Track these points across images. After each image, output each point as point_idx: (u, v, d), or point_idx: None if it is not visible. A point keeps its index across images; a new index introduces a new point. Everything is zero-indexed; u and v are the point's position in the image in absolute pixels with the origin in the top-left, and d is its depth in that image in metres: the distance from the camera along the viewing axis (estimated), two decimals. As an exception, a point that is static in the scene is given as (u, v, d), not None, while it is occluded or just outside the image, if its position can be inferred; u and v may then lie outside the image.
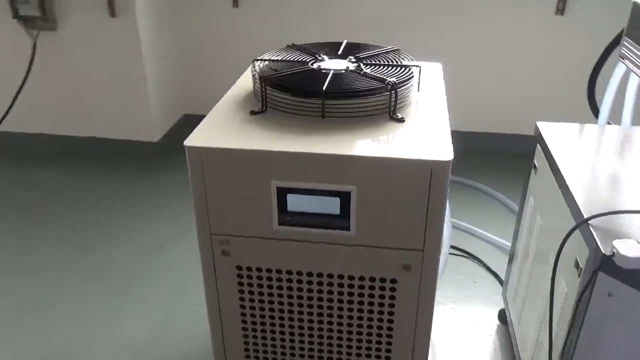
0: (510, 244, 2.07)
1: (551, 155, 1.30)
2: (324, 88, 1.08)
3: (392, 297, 1.10)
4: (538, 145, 1.45)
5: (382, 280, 1.09)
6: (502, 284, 1.86)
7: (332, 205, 1.02)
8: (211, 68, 2.81)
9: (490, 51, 2.58)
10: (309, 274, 1.11)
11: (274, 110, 1.14)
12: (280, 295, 1.14)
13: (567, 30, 2.49)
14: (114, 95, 2.65)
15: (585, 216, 1.03)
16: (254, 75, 1.19)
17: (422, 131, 1.06)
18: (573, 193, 1.11)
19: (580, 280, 1.04)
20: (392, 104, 1.10)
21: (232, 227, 1.08)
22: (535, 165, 1.47)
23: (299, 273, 1.11)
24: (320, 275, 1.10)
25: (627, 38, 1.32)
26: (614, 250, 0.94)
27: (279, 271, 1.11)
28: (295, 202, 1.03)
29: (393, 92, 1.09)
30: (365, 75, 1.14)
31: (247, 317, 1.18)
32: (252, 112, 1.13)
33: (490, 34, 2.55)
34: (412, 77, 1.16)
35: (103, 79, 2.62)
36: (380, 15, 2.57)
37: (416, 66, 1.19)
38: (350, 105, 1.08)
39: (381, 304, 1.12)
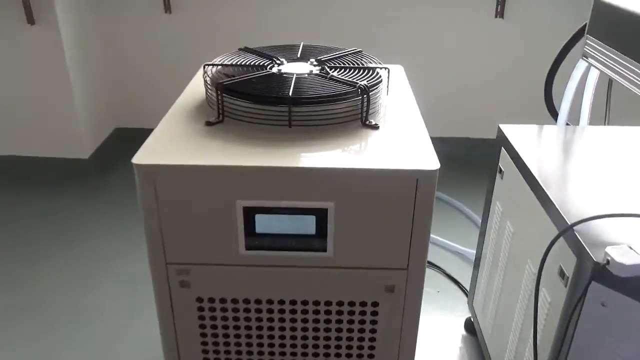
0: (470, 251, 2.01)
1: (520, 159, 1.24)
2: (289, 94, 0.96)
3: (374, 322, 1.00)
4: (502, 148, 1.40)
5: (363, 304, 0.98)
6: (466, 293, 1.80)
7: (306, 225, 0.91)
8: (144, 78, 2.62)
9: (435, 55, 2.55)
10: (281, 302, 0.98)
11: (232, 120, 1.01)
12: (248, 328, 1.01)
13: (507, 32, 2.50)
14: (36, 108, 2.41)
15: (569, 222, 0.97)
16: (206, 82, 1.06)
17: (399, 138, 0.96)
18: (551, 197, 1.05)
19: (569, 290, 0.98)
20: (365, 109, 1.00)
21: (191, 255, 0.94)
22: (500, 169, 1.41)
23: (270, 302, 0.98)
24: (293, 302, 0.98)
25: (589, 36, 1.29)
26: (608, 258, 0.87)
27: (246, 301, 0.98)
28: (264, 223, 0.91)
29: (365, 96, 0.99)
30: (332, 79, 1.04)
31: (210, 355, 1.04)
32: (208, 123, 1.00)
33: (433, 38, 2.52)
34: (382, 80, 1.06)
35: (22, 91, 2.38)
36: (317, 19, 2.48)
37: (384, 68, 1.10)
38: (319, 112, 0.97)
39: (361, 330, 1.01)
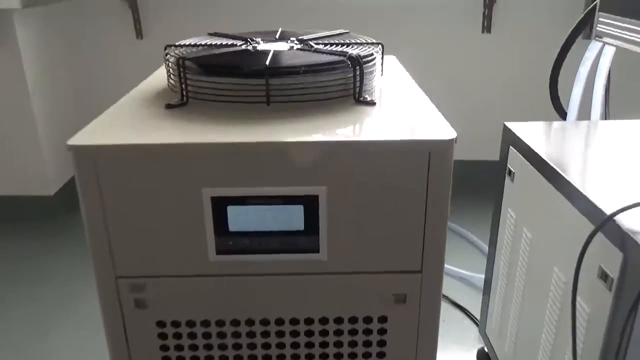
0: (478, 276, 1.83)
1: (536, 155, 1.07)
2: (266, 63, 0.78)
3: (382, 343, 0.79)
4: (511, 147, 1.23)
5: (367, 320, 0.77)
6: (475, 322, 1.59)
7: (292, 218, 0.71)
8: (115, 108, 2.44)
9: (422, 72, 2.42)
10: (264, 323, 0.77)
11: (198, 101, 0.82)
12: (224, 358, 0.79)
13: (495, 46, 2.40)
14: (-4, 142, 2.21)
15: (608, 213, 0.79)
16: (167, 62, 0.88)
17: (402, 113, 0.79)
18: (581, 190, 0.88)
19: (615, 294, 0.79)
20: (358, 82, 0.82)
21: (148, 265, 0.73)
22: (510, 171, 1.24)
23: (250, 322, 0.77)
24: (280, 322, 0.77)
25: (602, 13, 1.15)
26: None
27: (220, 323, 0.77)
28: (239, 218, 0.71)
29: (357, 67, 0.81)
30: (318, 51, 0.86)
31: (177, 396, 0.82)
32: (169, 106, 0.81)
33: (420, 55, 2.40)
34: (378, 53, 0.89)
35: (-20, 123, 2.18)
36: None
37: (377, 43, 0.93)
38: (303, 85, 0.79)
39: (367, 355, 0.80)
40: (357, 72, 0.81)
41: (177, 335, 0.78)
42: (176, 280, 0.74)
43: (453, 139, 0.68)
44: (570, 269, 0.88)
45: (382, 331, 0.78)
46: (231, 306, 0.76)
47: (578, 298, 0.87)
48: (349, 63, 0.81)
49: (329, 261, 0.74)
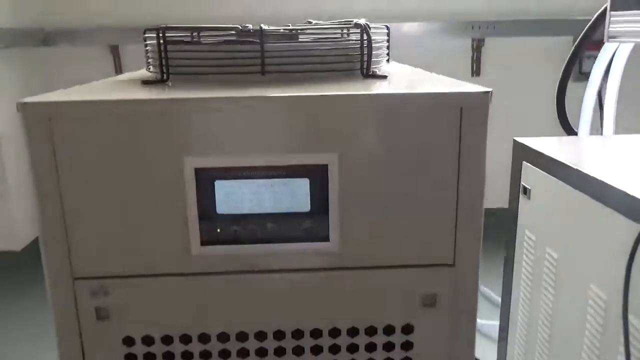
0: (491, 323, 1.67)
1: (559, 163, 0.95)
2: (261, 26, 0.67)
3: (407, 361, 0.63)
4: (525, 163, 1.12)
5: (388, 330, 0.62)
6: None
7: (296, 196, 0.57)
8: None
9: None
10: (260, 337, 0.61)
11: (181, 77, 0.70)
12: (208, 386, 0.62)
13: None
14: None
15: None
16: (145, 43, 0.76)
17: (421, 82, 0.67)
18: (623, 189, 0.76)
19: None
20: (367, 54, 0.70)
21: (113, 262, 0.58)
22: (525, 189, 1.12)
23: (242, 337, 0.61)
24: (279, 335, 0.61)
25: (614, 13, 1.08)
26: None
27: (204, 338, 0.61)
28: (229, 197, 0.57)
29: (365, 36, 0.70)
30: (318, 26, 0.76)
31: None
32: (146, 82, 0.69)
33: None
34: (386, 32, 0.79)
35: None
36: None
37: (384, 26, 0.83)
38: (303, 53, 0.68)
39: (388, 377, 0.63)
40: (365, 42, 0.70)
41: (150, 357, 0.61)
42: (149, 281, 0.59)
43: (489, 92, 0.56)
44: (613, 283, 0.74)
45: (407, 346, 0.62)
46: (219, 316, 0.60)
47: (630, 317, 0.73)
48: (358, 30, 0.70)
49: (342, 252, 0.59)
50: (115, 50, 2.23)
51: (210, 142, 0.56)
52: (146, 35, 0.78)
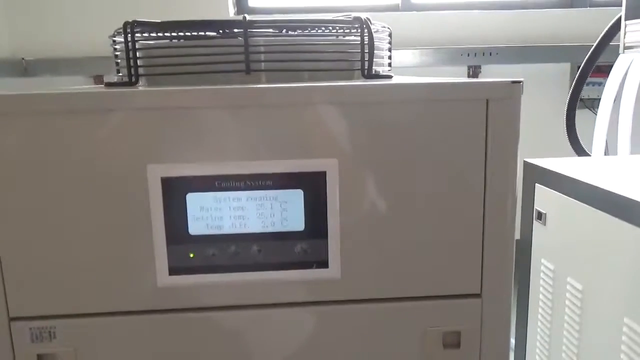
0: None
1: (580, 184, 0.86)
2: (245, 16, 0.57)
3: (426, 418, 0.51)
4: (539, 186, 1.02)
5: (403, 379, 0.50)
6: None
7: (287, 211, 0.46)
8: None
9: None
10: (244, 389, 0.49)
11: (153, 79, 0.60)
12: None
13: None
14: None
15: None
16: (114, 43, 0.66)
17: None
18: None
19: None
20: (367, 52, 0.61)
21: (59, 298, 0.47)
22: (540, 214, 1.02)
23: (221, 390, 0.49)
24: (268, 387, 0.49)
25: (629, 22, 1.00)
26: None
27: (174, 392, 0.49)
28: (206, 213, 0.46)
29: (366, 30, 0.60)
30: (313, 19, 0.66)
31: None
32: (110, 84, 0.58)
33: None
34: (388, 32, 0.69)
35: None
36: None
37: (385, 27, 0.73)
38: (295, 47, 0.58)
39: None
40: (366, 38, 0.60)
41: (106, 418, 0.49)
42: (104, 321, 0.47)
43: (520, 83, 0.46)
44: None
45: (425, 397, 0.51)
46: (192, 362, 0.48)
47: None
48: (357, 23, 0.61)
49: (343, 281, 0.48)
50: (99, 81, 2.14)
51: (181, 146, 0.45)
52: (115, 38, 0.68)
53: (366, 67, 0.61)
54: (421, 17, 2.13)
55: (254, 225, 0.47)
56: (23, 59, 2.05)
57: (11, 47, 2.05)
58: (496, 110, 0.46)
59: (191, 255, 0.47)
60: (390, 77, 0.60)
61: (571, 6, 2.09)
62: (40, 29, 2.11)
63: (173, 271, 0.47)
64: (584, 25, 1.89)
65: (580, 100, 1.70)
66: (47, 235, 0.46)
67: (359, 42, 0.61)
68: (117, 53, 0.66)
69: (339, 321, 0.49)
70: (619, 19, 1.03)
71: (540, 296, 1.00)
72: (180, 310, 0.48)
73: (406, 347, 0.50)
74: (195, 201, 0.46)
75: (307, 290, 0.48)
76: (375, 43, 0.61)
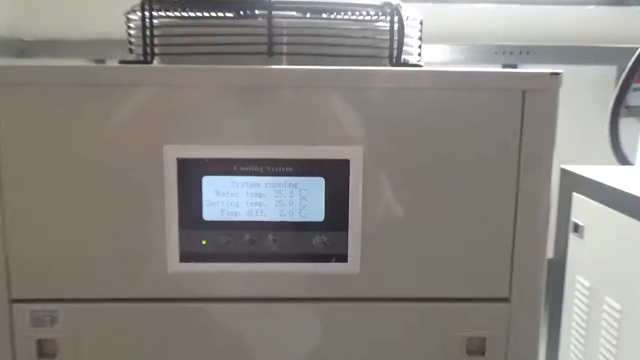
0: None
1: (624, 194, 0.87)
2: (269, -3, 0.60)
3: None
4: (576, 195, 1.03)
5: (422, 386, 0.52)
6: None
7: (307, 200, 0.49)
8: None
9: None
10: (253, 388, 0.51)
11: (169, 59, 0.62)
12: None
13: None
14: None
15: None
16: (128, 21, 0.69)
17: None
18: None
19: None
20: (397, 39, 0.63)
21: (62, 281, 0.49)
22: (576, 226, 1.03)
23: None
24: (278, 387, 0.51)
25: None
26: None
27: (179, 388, 0.51)
28: (221, 198, 0.48)
29: (396, 16, 0.63)
30: (339, 4, 0.69)
31: None
32: (124, 62, 0.61)
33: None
34: (419, 21, 0.72)
35: None
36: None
37: (416, 17, 0.76)
38: (321, 30, 0.60)
39: None
40: (396, 27, 0.62)
41: (107, 411, 0.51)
42: (111, 308, 0.50)
43: (559, 74, 0.48)
44: None
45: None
46: (201, 356, 0.50)
47: None
48: (389, 8, 0.63)
49: (363, 277, 0.50)
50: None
51: (198, 127, 0.48)
52: (130, 15, 0.71)
53: (395, 55, 0.63)
54: (453, 9, 2.14)
55: (271, 213, 0.49)
56: (21, 39, 2.10)
57: (9, 26, 2.11)
58: (533, 103, 0.48)
59: (203, 242, 0.49)
60: (420, 66, 0.62)
61: (620, 4, 2.10)
62: (40, 8, 2.16)
63: (184, 258, 0.49)
64: (632, 26, 1.90)
65: (626, 108, 1.71)
66: (54, 215, 0.48)
67: (387, 28, 0.63)
68: (131, 32, 0.69)
69: (356, 320, 0.51)
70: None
71: (574, 316, 1.01)
72: (188, 300, 0.50)
73: (427, 351, 0.51)
74: (211, 185, 0.48)
75: (323, 285, 0.50)
76: (405, 30, 0.64)
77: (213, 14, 0.64)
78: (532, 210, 0.50)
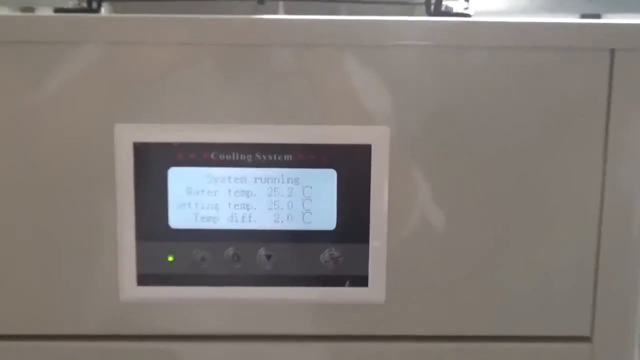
0: None
1: None
2: None
3: None
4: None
5: None
6: None
7: (313, 201, 0.47)
8: None
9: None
10: None
11: (122, 6, 0.61)
12: None
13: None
14: None
15: None
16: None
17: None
18: None
19: None
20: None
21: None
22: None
23: None
24: None
25: None
26: None
27: None
28: (193, 198, 0.47)
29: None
30: None
31: None
32: (59, 10, 0.60)
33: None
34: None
35: None
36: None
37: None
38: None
39: None
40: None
41: None
42: (44, 347, 0.48)
43: (664, 26, 0.46)
44: None
45: None
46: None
47: None
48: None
49: (389, 307, 0.48)
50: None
51: (163, 100, 0.46)
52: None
53: (433, 1, 0.62)
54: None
55: (262, 218, 0.47)
56: None
57: None
58: (625, 65, 0.46)
59: (170, 259, 0.47)
60: (468, 16, 0.61)
61: None
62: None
63: (143, 280, 0.47)
64: None
65: None
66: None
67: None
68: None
69: (379, 367, 0.49)
70: None
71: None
72: (149, 338, 0.48)
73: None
74: (180, 179, 0.46)
75: (334, 317, 0.48)
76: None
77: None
78: (623, 215, 0.48)
